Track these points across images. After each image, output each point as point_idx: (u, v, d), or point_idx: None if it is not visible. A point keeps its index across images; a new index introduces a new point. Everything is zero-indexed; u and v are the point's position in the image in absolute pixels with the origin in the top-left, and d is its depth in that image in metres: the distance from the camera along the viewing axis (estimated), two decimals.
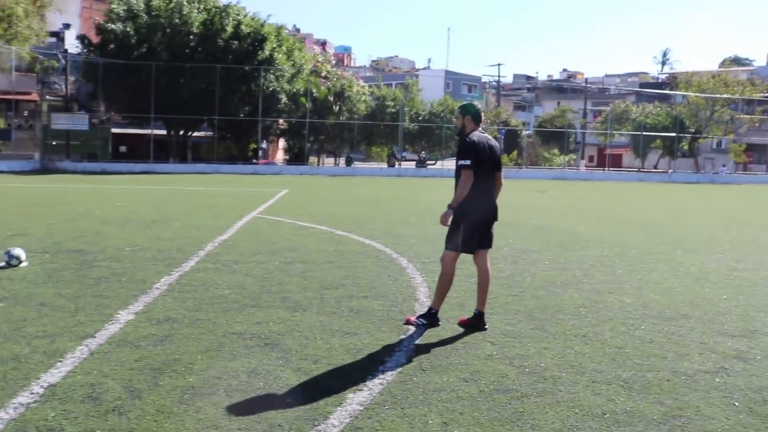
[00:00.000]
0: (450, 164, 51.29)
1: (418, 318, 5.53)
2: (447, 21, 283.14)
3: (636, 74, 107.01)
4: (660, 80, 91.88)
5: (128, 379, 4.12)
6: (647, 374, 4.47)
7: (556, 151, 61.57)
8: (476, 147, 5.29)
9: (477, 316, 5.51)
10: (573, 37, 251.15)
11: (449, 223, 5.31)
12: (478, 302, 5.57)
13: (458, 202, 5.21)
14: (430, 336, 5.24)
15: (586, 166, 59.88)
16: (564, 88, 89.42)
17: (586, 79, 73.94)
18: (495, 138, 50.52)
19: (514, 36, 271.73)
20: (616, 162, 67.25)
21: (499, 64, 73.60)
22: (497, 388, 4.14)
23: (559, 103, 78.01)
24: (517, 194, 25.22)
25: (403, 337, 5.18)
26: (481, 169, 5.29)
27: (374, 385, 4.14)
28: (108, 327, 5.24)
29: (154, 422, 3.53)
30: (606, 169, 55.54)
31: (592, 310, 6.23)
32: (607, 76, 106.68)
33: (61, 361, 4.41)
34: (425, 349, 4.91)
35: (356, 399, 3.92)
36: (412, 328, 5.40)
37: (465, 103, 5.79)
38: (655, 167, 63.35)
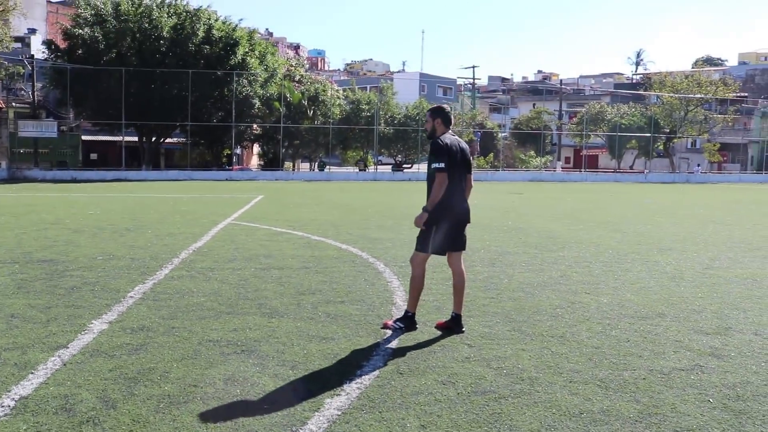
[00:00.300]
0: (426, 167, 51.54)
1: (395, 322, 5.52)
2: (421, 23, 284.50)
3: (611, 75, 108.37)
4: (634, 81, 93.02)
5: (102, 390, 4.05)
6: (623, 373, 4.50)
7: (532, 152, 62.04)
8: (449, 149, 5.29)
9: (454, 319, 5.52)
10: (547, 38, 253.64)
11: (422, 221, 5.30)
12: (454, 305, 5.58)
13: (433, 205, 5.22)
14: (407, 339, 5.23)
15: (563, 168, 60.48)
16: (539, 89, 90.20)
17: (561, 80, 74.48)
18: (470, 141, 50.78)
19: (488, 38, 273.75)
20: (593, 163, 67.95)
21: (473, 67, 73.57)
22: (475, 390, 4.15)
23: (534, 104, 78.73)
24: (494, 196, 25.37)
25: (380, 341, 5.17)
26: (454, 172, 5.30)
27: (352, 390, 4.12)
28: (81, 337, 5.16)
29: None
30: (582, 170, 56.11)
31: (569, 310, 6.27)
32: (581, 77, 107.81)
33: (32, 373, 4.33)
34: (402, 352, 4.90)
35: (334, 404, 3.90)
36: (389, 332, 5.39)
37: (435, 105, 5.78)
38: (631, 168, 64.13)
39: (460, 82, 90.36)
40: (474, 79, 75.62)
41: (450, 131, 5.50)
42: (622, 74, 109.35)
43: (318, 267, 8.41)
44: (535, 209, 19.19)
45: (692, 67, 70.86)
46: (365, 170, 51.08)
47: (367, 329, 5.49)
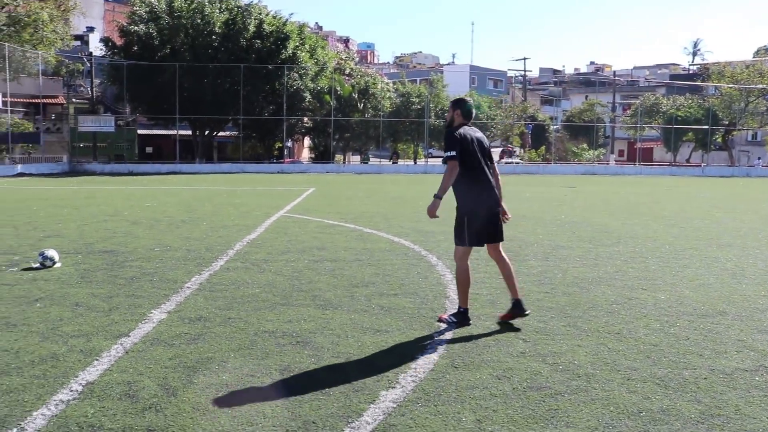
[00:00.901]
0: None
1: (449, 316, 5.54)
2: (471, 15, 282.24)
3: (666, 66, 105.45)
4: (691, 72, 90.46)
5: (163, 377, 4.15)
6: (683, 372, 4.40)
7: (584, 145, 61.03)
8: (461, 139, 5.28)
9: (515, 305, 5.47)
10: (600, 29, 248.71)
11: (437, 213, 5.33)
12: (511, 292, 5.54)
13: (444, 191, 5.24)
14: (461, 333, 5.22)
15: (616, 161, 59.22)
16: (592, 81, 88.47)
17: (614, 71, 73.01)
18: (522, 133, 50.28)
19: (539, 29, 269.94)
20: (647, 156, 66.48)
21: (524, 58, 72.60)
22: (530, 386, 4.11)
23: (587, 96, 77.26)
24: (546, 189, 25.08)
25: (434, 334, 5.17)
26: (474, 162, 5.31)
27: (407, 383, 4.13)
28: (141, 326, 5.29)
29: (190, 419, 3.56)
30: (636, 163, 54.93)
31: (626, 306, 6.16)
32: (635, 68, 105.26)
33: (97, 360, 4.46)
34: (457, 346, 4.89)
35: (389, 396, 3.91)
36: (443, 326, 5.39)
37: (459, 97, 5.74)
38: (688, 161, 62.46)
39: (510, 74, 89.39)
40: (525, 70, 74.76)
41: (469, 124, 5.49)
42: (678, 65, 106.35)
43: (371, 259, 8.45)
44: (588, 203, 18.88)
45: (753, 57, 68.51)
46: (397, 162, 51.14)
47: (420, 322, 5.50)
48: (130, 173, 38.05)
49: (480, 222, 5.34)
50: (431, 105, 51.02)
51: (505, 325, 5.45)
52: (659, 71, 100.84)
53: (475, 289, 6.71)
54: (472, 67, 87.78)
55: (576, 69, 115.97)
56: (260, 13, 42.63)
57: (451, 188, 5.36)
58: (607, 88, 72.79)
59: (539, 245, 9.86)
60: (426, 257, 8.69)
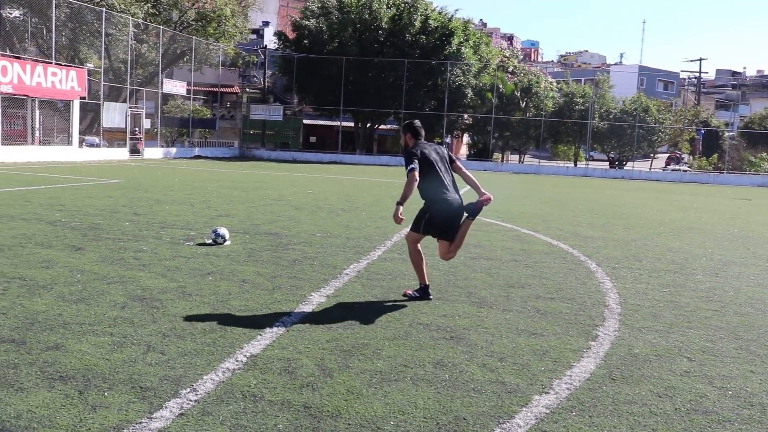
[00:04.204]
0: (640, 165, 48.77)
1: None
2: (642, 13, 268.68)
3: None
4: None
5: (320, 358, 4.31)
6: None
7: (764, 155, 56.22)
8: (419, 153, 5.90)
9: (422, 289, 6.06)
10: None
11: (402, 216, 5.71)
12: (420, 278, 6.09)
13: (405, 199, 5.71)
14: (619, 344, 4.99)
15: None
16: None
17: None
18: (692, 139, 47.20)
19: (718, 28, 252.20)
20: None
21: (700, 59, 68.12)
22: (695, 408, 3.85)
23: None
24: (717, 200, 23.45)
25: (591, 343, 4.98)
26: (431, 169, 5.86)
27: (561, 390, 4.02)
28: (301, 307, 5.53)
29: (344, 401, 3.66)
30: None
31: None
32: None
33: (260, 335, 4.71)
34: (615, 357, 4.68)
35: (542, 401, 3.82)
36: (600, 335, 5.19)
37: (406, 122, 6.31)
38: None
39: (683, 75, 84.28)
40: (700, 72, 70.16)
41: (421, 140, 6.10)
42: None
43: (527, 261, 8.31)
44: (766, 217, 17.42)
45: None
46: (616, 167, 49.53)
47: (577, 329, 5.33)
48: (294, 160, 39.85)
49: (436, 220, 5.92)
50: (596, 106, 49.20)
51: (658, 338, 5.15)
52: None
53: (636, 300, 6.42)
54: (641, 68, 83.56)
55: (759, 71, 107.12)
56: (426, 9, 43.03)
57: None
58: None
59: (708, 259, 9.23)
60: (585, 262, 8.41)
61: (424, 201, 6.01)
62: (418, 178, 5.76)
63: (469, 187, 6.18)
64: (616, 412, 3.74)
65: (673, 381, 4.27)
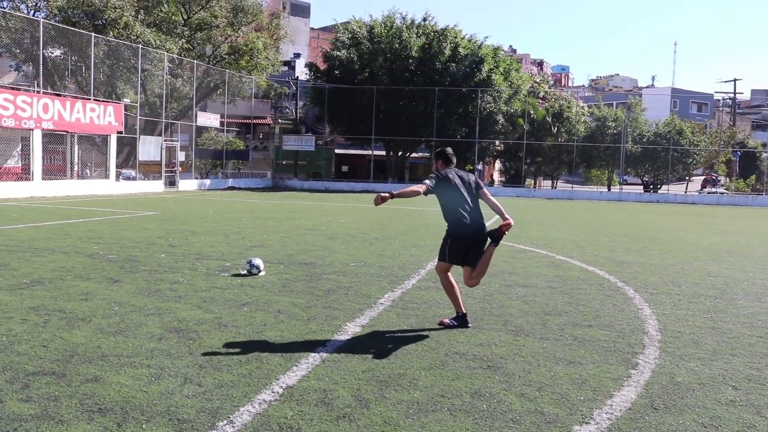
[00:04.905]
0: (675, 188, 48.05)
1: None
2: (673, 35, 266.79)
3: None
4: None
5: (357, 389, 4.28)
6: None
7: None
8: (442, 177, 6.09)
9: (463, 317, 6.11)
10: None
11: (383, 198, 5.73)
12: (456, 306, 6.15)
13: (399, 194, 5.81)
14: (661, 372, 4.88)
15: None
16: None
17: None
18: (728, 161, 46.24)
19: (752, 47, 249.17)
20: None
21: (734, 80, 67.37)
22: None
23: None
24: (757, 223, 22.96)
25: (631, 371, 4.88)
26: (455, 195, 6.04)
27: (602, 419, 3.93)
28: (337, 337, 5.51)
29: None
30: None
31: None
32: None
33: (296, 365, 4.71)
34: (657, 386, 4.57)
35: None
36: (641, 363, 5.08)
37: (437, 149, 6.50)
38: None
39: (717, 96, 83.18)
40: (735, 93, 69.27)
41: (451, 167, 6.28)
42: None
43: (563, 287, 8.20)
44: None
45: None
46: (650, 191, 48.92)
47: (617, 357, 5.22)
48: (326, 190, 40.09)
49: (456, 246, 6.04)
50: (629, 129, 48.74)
51: (701, 366, 5.01)
52: None
53: (676, 327, 6.29)
54: (674, 90, 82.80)
55: None
56: (456, 37, 43.25)
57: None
58: None
59: (750, 284, 9.02)
60: (622, 288, 8.27)
61: (447, 225, 6.14)
62: (422, 191, 5.89)
63: (496, 216, 6.18)
64: None
65: (718, 411, 4.16)
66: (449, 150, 6.38)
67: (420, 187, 5.90)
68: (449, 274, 6.19)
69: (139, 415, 3.73)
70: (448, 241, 6.10)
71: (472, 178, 6.30)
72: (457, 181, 6.15)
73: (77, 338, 5.25)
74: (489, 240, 6.08)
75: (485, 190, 6.27)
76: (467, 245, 6.03)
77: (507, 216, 6.07)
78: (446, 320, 6.15)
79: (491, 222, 6.19)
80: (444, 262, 6.13)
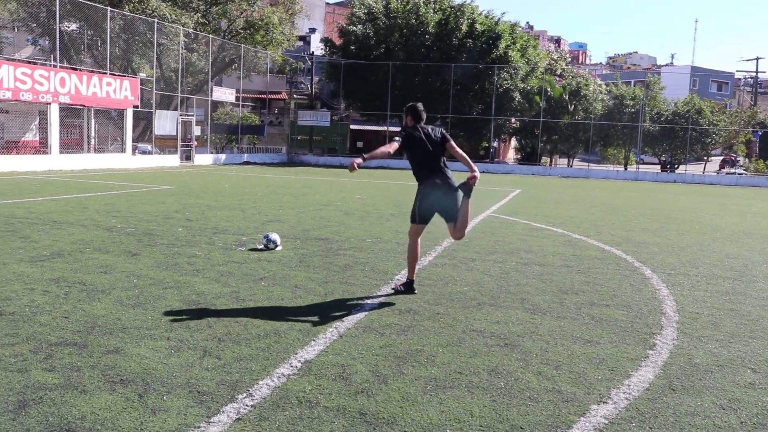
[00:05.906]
0: (693, 168, 47.61)
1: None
2: (694, 12, 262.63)
3: None
4: None
5: (374, 364, 4.31)
6: None
7: None
8: (407, 135, 6.22)
9: (408, 284, 6.36)
10: None
11: (355, 167, 5.91)
12: (410, 273, 6.39)
13: (371, 157, 6.01)
14: (679, 353, 4.86)
15: None
16: None
17: None
18: (749, 141, 45.49)
19: None
20: None
21: (757, 58, 66.36)
22: (762, 422, 3.72)
23: None
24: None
25: (649, 352, 4.87)
26: (422, 152, 6.19)
27: (619, 399, 3.93)
28: (354, 313, 5.54)
29: (399, 408, 3.65)
30: None
31: None
32: None
33: (314, 340, 4.74)
34: (675, 367, 4.56)
35: (600, 411, 3.75)
36: (658, 344, 5.06)
37: (409, 104, 6.60)
38: None
39: (738, 75, 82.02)
40: (757, 71, 68.23)
41: (421, 123, 6.34)
42: None
43: (580, 266, 8.17)
44: None
45: None
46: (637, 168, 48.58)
47: (634, 337, 5.21)
48: (341, 166, 40.03)
49: (428, 200, 6.20)
50: (647, 108, 48.22)
51: (719, 348, 4.99)
52: None
53: (694, 308, 6.26)
54: (694, 68, 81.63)
55: None
56: (473, 13, 42.82)
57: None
58: None
59: None
60: (639, 269, 8.23)
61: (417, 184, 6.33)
62: (391, 150, 6.06)
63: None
64: (677, 424, 3.64)
65: (737, 393, 4.14)
66: (420, 106, 6.47)
67: (389, 147, 6.08)
68: (419, 240, 6.38)
69: (159, 387, 3.78)
70: (417, 200, 6.29)
71: (438, 132, 6.42)
72: (424, 137, 6.27)
73: (97, 310, 5.31)
74: (461, 194, 6.21)
75: (452, 143, 6.44)
76: (436, 199, 6.20)
77: (474, 168, 6.25)
78: (398, 285, 6.43)
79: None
80: (414, 224, 6.35)
